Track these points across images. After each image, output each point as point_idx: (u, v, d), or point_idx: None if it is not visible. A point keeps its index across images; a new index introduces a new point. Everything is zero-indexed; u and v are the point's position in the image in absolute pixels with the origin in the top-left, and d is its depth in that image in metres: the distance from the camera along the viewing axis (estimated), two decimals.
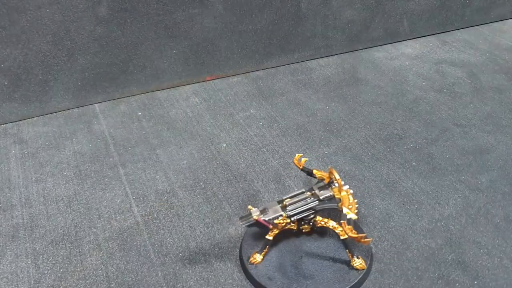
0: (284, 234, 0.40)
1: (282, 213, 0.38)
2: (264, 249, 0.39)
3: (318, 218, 0.39)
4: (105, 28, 0.57)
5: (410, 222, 0.43)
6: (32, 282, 0.39)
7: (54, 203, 0.46)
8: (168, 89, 0.63)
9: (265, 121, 0.57)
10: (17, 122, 0.58)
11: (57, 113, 0.59)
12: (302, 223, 0.40)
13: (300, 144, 0.53)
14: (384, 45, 0.71)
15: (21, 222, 0.45)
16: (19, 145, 0.54)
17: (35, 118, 0.58)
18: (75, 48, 0.57)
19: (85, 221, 0.44)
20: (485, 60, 0.67)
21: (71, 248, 0.42)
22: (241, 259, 0.40)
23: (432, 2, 0.71)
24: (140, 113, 0.59)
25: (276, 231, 0.39)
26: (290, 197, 0.39)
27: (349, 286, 0.38)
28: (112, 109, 0.60)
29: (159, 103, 0.61)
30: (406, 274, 0.39)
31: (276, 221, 0.38)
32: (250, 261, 0.40)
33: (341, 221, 0.36)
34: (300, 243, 0.41)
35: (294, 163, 0.42)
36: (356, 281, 0.38)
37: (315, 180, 0.41)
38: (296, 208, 0.38)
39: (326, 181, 0.40)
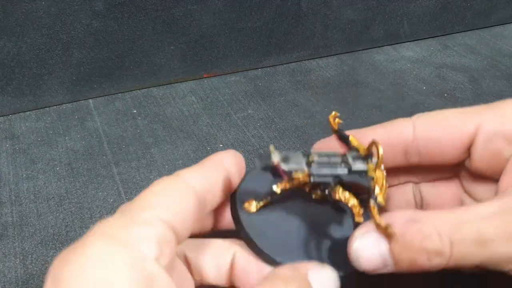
0: (292, 196, 0.34)
1: (305, 168, 0.32)
2: (265, 199, 0.33)
3: (339, 189, 0.33)
4: (102, 22, 0.56)
5: None
6: (20, 283, 0.38)
7: (44, 201, 0.45)
8: (165, 86, 0.62)
9: (262, 122, 0.56)
10: (8, 116, 0.56)
11: (51, 107, 0.58)
12: (319, 190, 0.33)
13: (298, 147, 0.52)
14: (384, 47, 0.71)
15: (10, 220, 0.43)
16: (10, 140, 0.53)
17: (27, 112, 0.57)
18: (71, 42, 0.56)
19: (76, 221, 0.43)
20: (486, 66, 0.66)
21: (61, 249, 0.40)
22: (233, 200, 0.34)
23: (433, 4, 0.71)
24: (135, 111, 0.58)
25: (287, 185, 0.33)
26: (319, 155, 0.32)
27: (342, 274, 0.31)
28: (107, 105, 0.59)
29: (155, 100, 0.60)
30: None
31: (294, 175, 0.31)
32: (244, 206, 0.33)
33: (370, 203, 0.30)
34: (306, 211, 0.34)
35: (329, 120, 0.35)
36: (352, 271, 0.32)
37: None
38: (322, 169, 0.32)
39: (362, 154, 0.33)
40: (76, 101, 0.59)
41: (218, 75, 0.64)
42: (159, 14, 0.58)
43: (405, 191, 0.38)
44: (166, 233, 0.25)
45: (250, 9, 0.62)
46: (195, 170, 0.30)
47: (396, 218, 0.28)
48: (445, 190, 0.37)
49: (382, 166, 0.32)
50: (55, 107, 0.58)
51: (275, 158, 0.31)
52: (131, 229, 0.24)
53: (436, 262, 0.27)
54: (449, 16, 0.73)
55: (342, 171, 0.32)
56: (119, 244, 0.23)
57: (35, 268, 0.39)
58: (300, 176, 0.32)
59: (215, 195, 0.31)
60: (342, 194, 0.33)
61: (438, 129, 0.33)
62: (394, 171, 0.36)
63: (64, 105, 0.58)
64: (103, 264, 0.22)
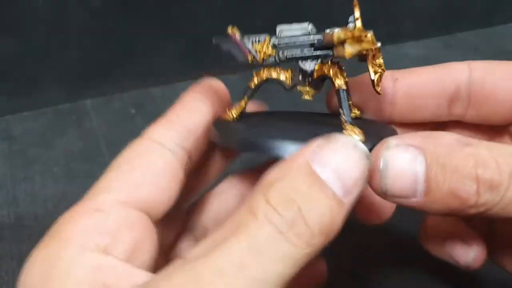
0: (278, 102, 0.32)
1: (266, 37, 0.27)
2: (243, 99, 0.29)
3: (321, 66, 0.28)
4: (100, 21, 0.55)
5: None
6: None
7: (42, 203, 0.45)
8: (163, 86, 0.61)
9: None
10: (5, 117, 0.56)
11: (48, 108, 0.57)
12: (300, 76, 0.28)
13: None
14: (387, 46, 0.70)
15: (7, 222, 0.43)
16: (6, 141, 0.52)
17: (24, 113, 0.57)
18: (68, 41, 0.55)
19: None
20: None
21: None
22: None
23: (436, 2, 0.70)
24: (133, 111, 0.57)
25: (259, 77, 0.29)
26: (288, 25, 0.28)
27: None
28: (105, 105, 0.58)
29: (154, 100, 0.59)
30: None
31: (255, 46, 0.28)
32: (223, 117, 0.30)
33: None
34: (298, 113, 0.30)
35: None
36: None
37: None
38: (289, 36, 0.27)
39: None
40: (73, 101, 0.58)
41: (218, 75, 0.64)
42: (158, 13, 0.57)
43: None
44: (122, 216, 0.23)
45: (250, 8, 0.61)
46: (164, 124, 0.27)
47: (443, 138, 0.23)
48: None
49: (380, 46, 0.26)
50: (52, 107, 0.57)
51: (231, 30, 0.28)
52: (76, 224, 0.23)
53: (485, 198, 0.21)
54: (451, 15, 0.72)
55: (314, 38, 0.27)
56: (62, 245, 0.22)
57: None
58: (263, 48, 0.28)
59: (200, 143, 0.28)
60: (325, 68, 0.28)
61: (501, 73, 0.29)
62: (422, 126, 0.32)
63: (61, 105, 0.58)
64: (45, 274, 0.21)
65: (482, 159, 0.21)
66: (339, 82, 0.27)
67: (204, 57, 0.63)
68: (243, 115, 0.30)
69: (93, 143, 0.52)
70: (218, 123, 0.29)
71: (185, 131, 0.27)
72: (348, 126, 0.25)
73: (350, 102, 0.27)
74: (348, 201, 0.21)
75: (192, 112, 0.29)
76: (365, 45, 0.25)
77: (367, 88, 0.29)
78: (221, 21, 0.62)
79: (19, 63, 0.54)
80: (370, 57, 0.26)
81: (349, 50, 0.25)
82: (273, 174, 0.21)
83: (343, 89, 0.27)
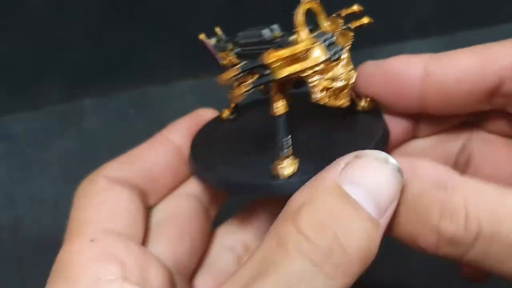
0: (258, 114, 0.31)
1: (230, 44, 0.27)
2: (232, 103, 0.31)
3: None
4: (97, 20, 0.55)
5: None
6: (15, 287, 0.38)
7: (40, 204, 0.45)
8: (163, 86, 0.61)
9: None
10: (2, 118, 0.55)
11: (46, 109, 0.57)
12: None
13: None
14: (388, 45, 0.70)
15: (5, 224, 0.43)
16: (4, 142, 0.52)
17: (22, 113, 0.56)
18: (66, 40, 0.55)
19: None
20: None
21: (57, 253, 0.40)
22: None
23: (437, 1, 0.70)
24: (132, 111, 0.57)
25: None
26: (247, 32, 0.26)
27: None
28: (103, 106, 0.58)
29: (153, 100, 0.59)
30: None
31: (222, 54, 0.28)
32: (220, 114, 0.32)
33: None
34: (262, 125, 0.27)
35: None
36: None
37: None
38: (248, 36, 0.25)
39: None
40: (71, 102, 0.58)
41: (217, 74, 0.64)
42: (156, 12, 0.57)
43: (450, 140, 0.29)
44: (118, 242, 0.23)
45: (250, 6, 0.61)
46: (124, 160, 0.29)
47: (422, 171, 0.20)
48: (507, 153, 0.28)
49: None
50: (50, 107, 0.57)
51: (202, 36, 0.29)
52: (78, 258, 0.22)
53: (445, 251, 0.20)
54: (453, 14, 0.72)
55: (270, 31, 0.24)
56: (72, 284, 0.22)
57: (31, 273, 0.39)
58: (227, 56, 0.28)
59: (162, 176, 0.29)
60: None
61: None
62: (455, 118, 0.29)
63: (59, 105, 0.57)
64: None
65: (451, 209, 0.19)
66: (275, 105, 0.24)
67: (203, 56, 0.63)
68: (234, 112, 0.32)
69: (92, 144, 0.52)
70: (196, 144, 0.30)
71: (142, 170, 0.28)
72: (280, 159, 0.23)
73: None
74: (383, 221, 0.19)
75: (157, 151, 0.30)
76: (300, 66, 0.21)
77: (390, 78, 0.27)
78: (221, 21, 0.62)
79: (17, 63, 0.54)
80: (313, 72, 0.22)
81: (279, 74, 0.21)
82: (299, 198, 0.19)
83: (279, 115, 0.23)
